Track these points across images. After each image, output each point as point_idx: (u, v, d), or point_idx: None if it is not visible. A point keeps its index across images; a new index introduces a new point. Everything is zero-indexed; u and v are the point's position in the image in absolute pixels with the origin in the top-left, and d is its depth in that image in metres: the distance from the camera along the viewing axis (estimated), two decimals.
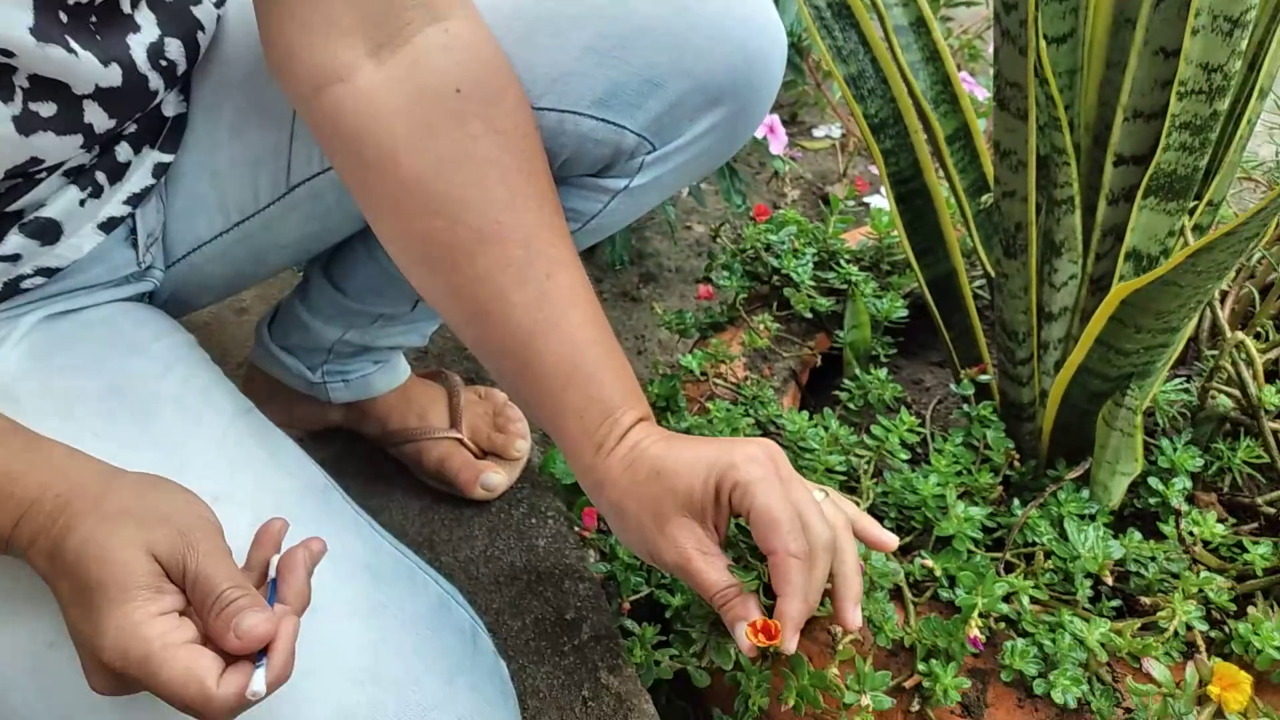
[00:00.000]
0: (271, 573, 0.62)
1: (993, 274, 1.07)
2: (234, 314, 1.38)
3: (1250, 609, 0.80)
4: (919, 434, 0.95)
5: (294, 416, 1.09)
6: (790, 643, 0.67)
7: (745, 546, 0.71)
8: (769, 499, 0.65)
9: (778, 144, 1.39)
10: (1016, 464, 0.95)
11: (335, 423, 1.10)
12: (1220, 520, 0.85)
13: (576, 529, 1.04)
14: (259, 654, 0.57)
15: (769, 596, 0.68)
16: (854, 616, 0.70)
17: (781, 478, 0.67)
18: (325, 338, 1.00)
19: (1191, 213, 0.83)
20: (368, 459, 1.13)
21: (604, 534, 0.96)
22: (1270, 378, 1.00)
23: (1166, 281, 0.67)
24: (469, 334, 0.73)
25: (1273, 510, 0.91)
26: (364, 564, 0.71)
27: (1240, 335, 0.89)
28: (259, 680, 0.56)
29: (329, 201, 0.83)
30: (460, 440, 1.06)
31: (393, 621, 0.70)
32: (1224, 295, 1.07)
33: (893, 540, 0.72)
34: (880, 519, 0.90)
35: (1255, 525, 0.91)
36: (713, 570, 0.67)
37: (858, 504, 0.85)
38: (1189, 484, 0.89)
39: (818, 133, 1.90)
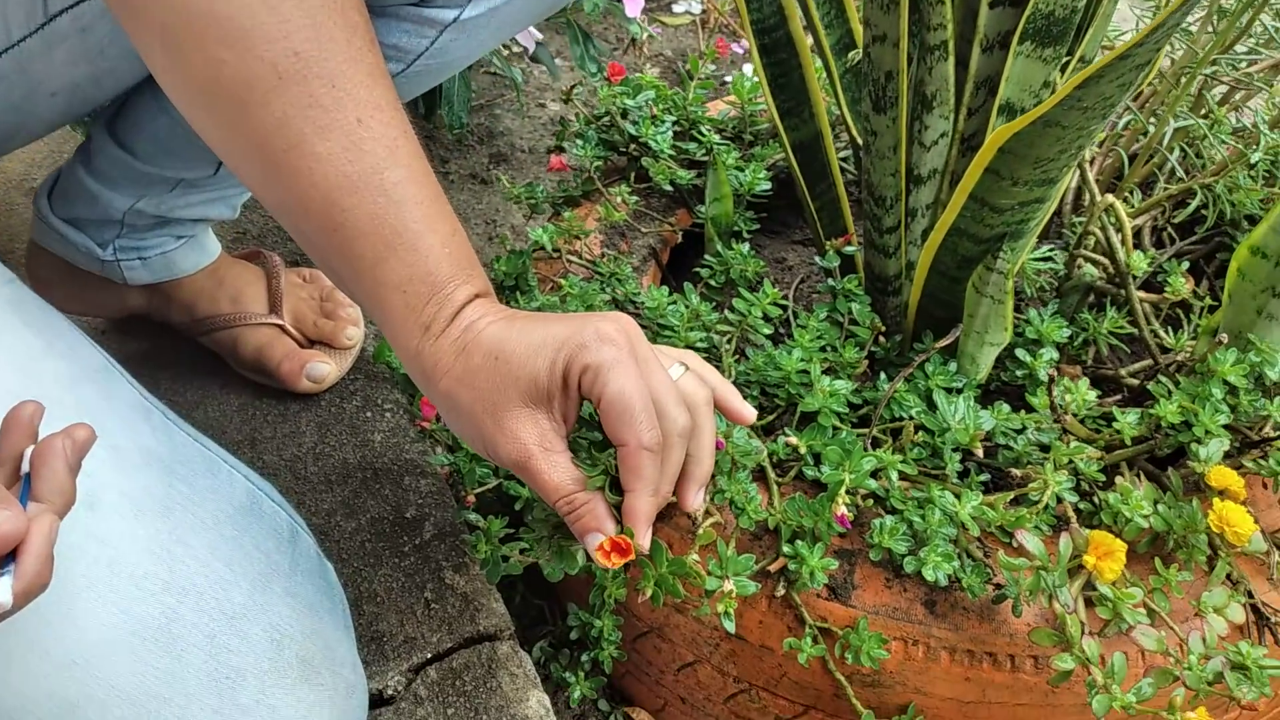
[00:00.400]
0: (25, 466, 0.51)
1: (860, 139, 1.01)
2: (23, 195, 1.22)
3: (1118, 479, 0.77)
4: (782, 308, 0.89)
5: (87, 302, 0.95)
6: (644, 541, 0.60)
7: (590, 436, 0.64)
8: (622, 385, 0.58)
9: (634, 7, 1.29)
10: (882, 340, 0.90)
11: (137, 309, 0.97)
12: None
13: (417, 421, 0.96)
14: (6, 559, 0.47)
15: (616, 490, 0.61)
16: (695, 500, 0.64)
17: (638, 358, 0.59)
18: (114, 208, 0.87)
19: (1064, 69, 0.79)
20: (180, 351, 1.01)
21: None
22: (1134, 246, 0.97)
23: (1049, 121, 0.62)
24: (268, 196, 0.61)
25: (1136, 382, 0.90)
26: (153, 455, 0.61)
27: (1110, 198, 0.85)
28: (4, 589, 0.46)
29: (100, 37, 0.70)
30: (281, 327, 0.95)
31: (189, 519, 0.61)
32: (1090, 162, 1.04)
33: (751, 413, 0.66)
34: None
35: (1119, 398, 0.89)
36: (555, 470, 0.59)
37: None
38: (1056, 355, 0.86)
39: (678, 8, 1.80)
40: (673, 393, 0.60)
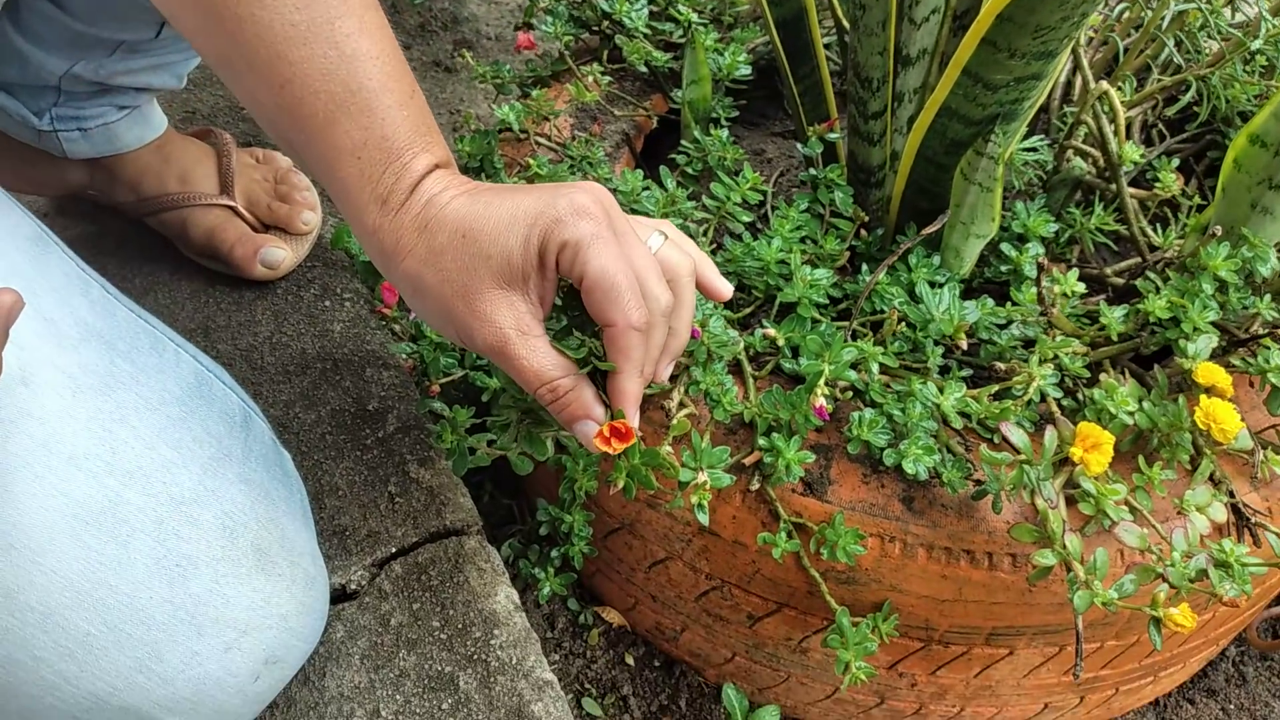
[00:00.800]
0: None
1: (846, 20, 0.97)
2: None
3: (1103, 376, 0.75)
4: (761, 193, 0.85)
5: (25, 178, 0.90)
6: (635, 424, 0.58)
7: (571, 316, 0.60)
8: (604, 263, 0.54)
9: None
10: (863, 234, 0.87)
11: (79, 186, 0.91)
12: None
13: (377, 308, 0.92)
14: None
15: (596, 372, 0.58)
16: (665, 373, 0.62)
17: (617, 233, 0.56)
18: (49, 71, 0.80)
19: None
20: (126, 235, 0.96)
21: (409, 310, 0.84)
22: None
23: None
24: (209, 48, 0.56)
25: (1121, 282, 0.87)
26: (92, 330, 0.57)
27: (1104, 85, 0.82)
28: None
29: None
30: (233, 209, 0.90)
31: (132, 399, 0.57)
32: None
33: (728, 289, 0.63)
34: None
35: (1104, 297, 0.87)
36: (535, 356, 0.56)
37: None
38: (1041, 251, 0.83)
39: None
40: (655, 269, 0.57)
